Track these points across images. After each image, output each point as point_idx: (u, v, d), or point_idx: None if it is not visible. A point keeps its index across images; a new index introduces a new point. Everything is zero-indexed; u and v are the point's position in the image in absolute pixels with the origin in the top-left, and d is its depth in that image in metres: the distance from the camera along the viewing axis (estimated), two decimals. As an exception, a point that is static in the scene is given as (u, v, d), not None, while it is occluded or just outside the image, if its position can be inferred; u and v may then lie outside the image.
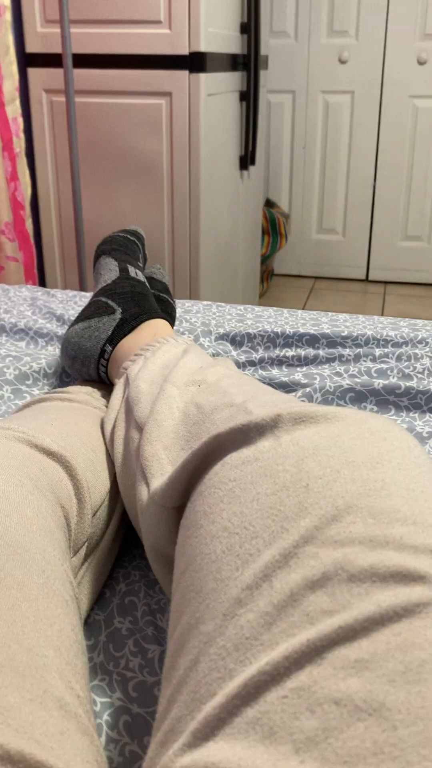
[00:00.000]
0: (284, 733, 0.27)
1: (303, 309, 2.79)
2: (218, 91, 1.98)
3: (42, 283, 2.23)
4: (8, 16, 1.81)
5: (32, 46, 1.96)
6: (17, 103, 1.89)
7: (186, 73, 1.84)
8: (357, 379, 0.89)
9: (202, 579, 0.36)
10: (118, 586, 0.59)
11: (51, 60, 1.95)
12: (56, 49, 1.92)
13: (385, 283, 3.33)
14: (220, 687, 0.30)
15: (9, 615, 0.36)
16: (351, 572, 0.31)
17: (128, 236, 0.99)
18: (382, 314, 2.92)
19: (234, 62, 2.09)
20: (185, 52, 1.83)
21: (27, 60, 1.98)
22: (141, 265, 0.97)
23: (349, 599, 0.30)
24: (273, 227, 2.95)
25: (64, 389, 0.78)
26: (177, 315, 1.13)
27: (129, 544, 0.65)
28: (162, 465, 0.50)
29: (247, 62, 2.15)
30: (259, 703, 0.28)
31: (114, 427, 0.64)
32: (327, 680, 0.27)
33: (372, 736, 0.25)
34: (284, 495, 0.36)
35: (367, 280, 3.36)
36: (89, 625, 0.55)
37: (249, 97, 2.19)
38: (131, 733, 0.46)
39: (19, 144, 1.91)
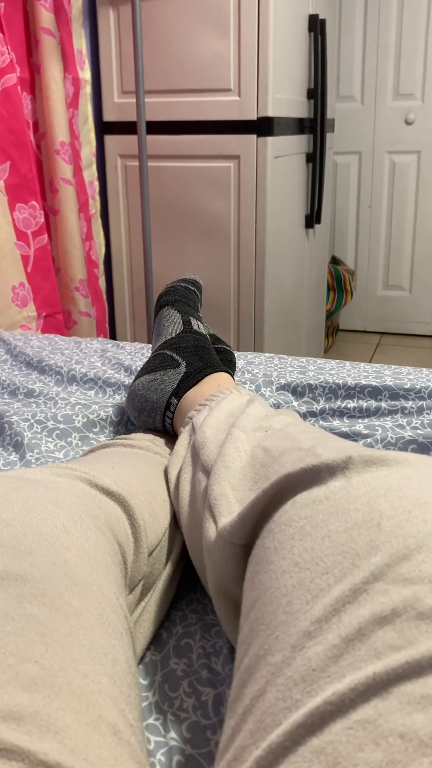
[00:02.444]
0: (348, 764, 0.27)
1: (369, 364, 2.77)
2: (285, 153, 2.04)
3: (113, 336, 2.30)
4: (88, 89, 1.94)
5: (109, 115, 2.08)
6: (93, 167, 2.00)
7: (254, 137, 1.92)
8: (419, 431, 0.89)
9: (271, 612, 0.37)
10: (175, 628, 0.60)
11: (126, 127, 2.06)
12: (131, 117, 2.03)
13: (454, 339, 3.28)
14: (285, 717, 0.30)
15: (67, 641, 0.37)
16: (420, 610, 0.31)
17: (189, 286, 1.02)
18: (451, 370, 2.87)
19: (301, 126, 2.15)
20: (253, 117, 1.90)
21: (104, 128, 2.10)
22: (200, 315, 0.99)
23: (417, 636, 0.30)
24: (338, 283, 2.97)
25: (127, 436, 0.81)
26: (239, 366, 1.15)
27: (186, 588, 0.66)
28: (230, 504, 0.52)
29: (314, 126, 2.21)
30: (324, 734, 0.28)
31: (180, 471, 0.65)
32: (392, 714, 0.28)
33: None
34: (355, 533, 0.37)
35: (435, 336, 3.32)
36: (145, 664, 0.55)
37: (315, 159, 2.25)
38: (183, 773, 0.46)
39: (94, 206, 2.01)
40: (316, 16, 2.13)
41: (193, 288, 1.02)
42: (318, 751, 0.28)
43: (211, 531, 0.51)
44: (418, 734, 0.27)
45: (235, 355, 1.13)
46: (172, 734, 0.49)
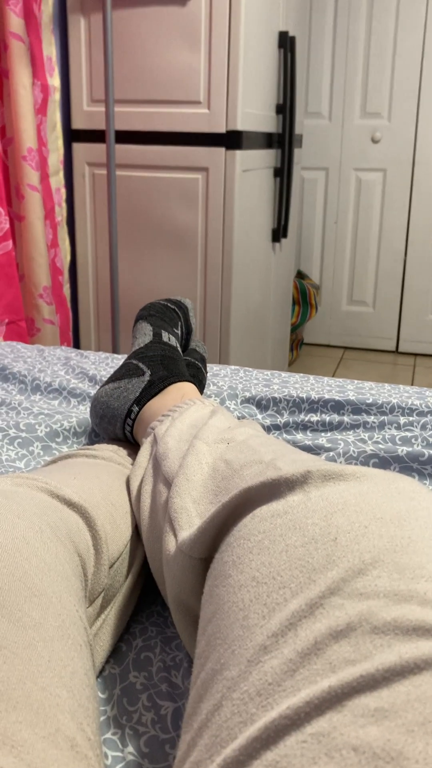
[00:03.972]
0: None
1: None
2: (253, 167, 2.06)
3: (76, 345, 2.29)
4: (57, 96, 1.93)
5: (78, 123, 2.07)
6: (61, 175, 1.99)
7: (223, 150, 1.93)
8: (381, 446, 0.90)
9: (228, 626, 0.36)
10: (135, 641, 0.59)
11: (95, 136, 2.06)
12: (100, 125, 2.03)
13: (415, 355, 3.34)
14: (241, 731, 0.30)
15: (25, 654, 0.37)
16: (374, 624, 0.31)
17: (168, 304, 1.03)
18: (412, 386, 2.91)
19: (269, 140, 2.18)
20: (222, 130, 1.92)
21: (72, 135, 2.09)
22: (178, 332, 1.00)
23: (372, 650, 0.30)
24: (303, 297, 3.00)
25: (90, 446, 0.80)
26: (205, 378, 1.15)
27: (147, 600, 0.65)
28: (190, 517, 0.52)
29: (282, 141, 2.24)
30: (279, 747, 0.28)
31: (141, 482, 0.65)
32: (347, 727, 0.28)
33: None
34: (313, 547, 0.37)
35: (397, 351, 3.37)
36: (104, 678, 0.55)
37: (283, 174, 2.28)
38: (140, 788, 0.45)
39: (60, 213, 2.00)
40: (287, 33, 2.16)
41: (173, 307, 1.02)
42: (272, 765, 0.28)
43: (170, 544, 0.51)
44: (371, 746, 0.27)
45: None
46: (130, 749, 0.48)
